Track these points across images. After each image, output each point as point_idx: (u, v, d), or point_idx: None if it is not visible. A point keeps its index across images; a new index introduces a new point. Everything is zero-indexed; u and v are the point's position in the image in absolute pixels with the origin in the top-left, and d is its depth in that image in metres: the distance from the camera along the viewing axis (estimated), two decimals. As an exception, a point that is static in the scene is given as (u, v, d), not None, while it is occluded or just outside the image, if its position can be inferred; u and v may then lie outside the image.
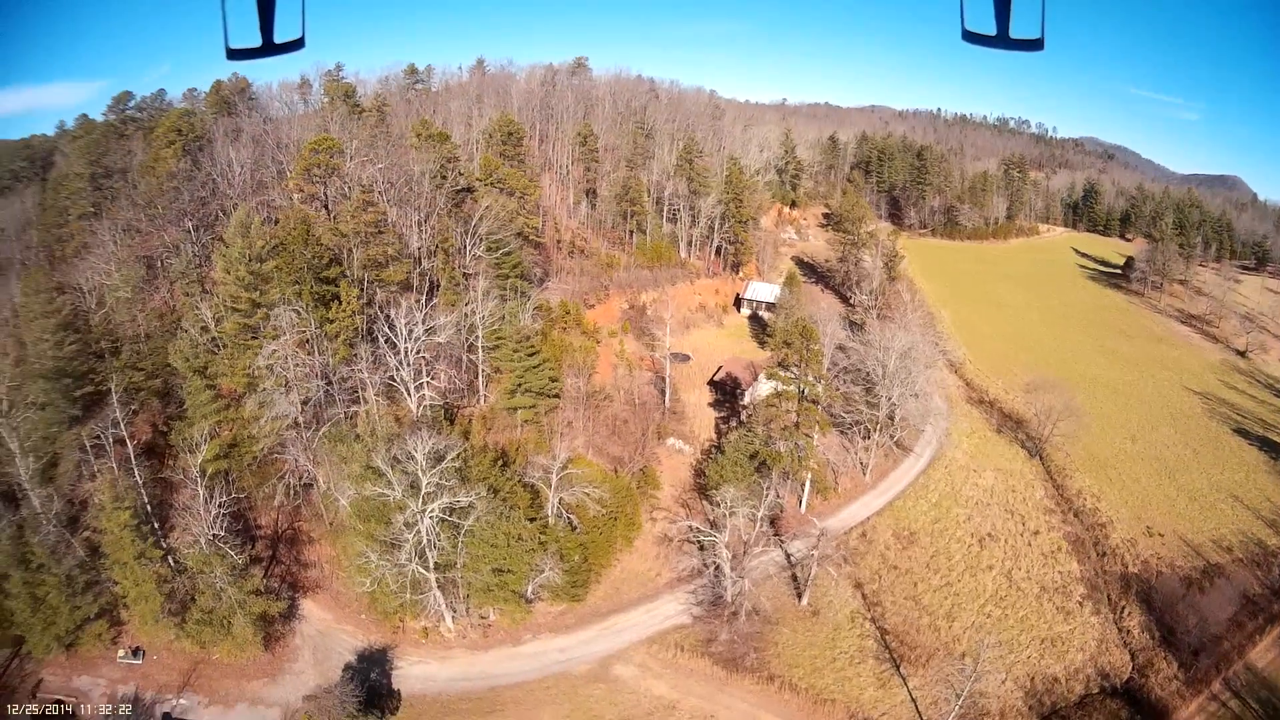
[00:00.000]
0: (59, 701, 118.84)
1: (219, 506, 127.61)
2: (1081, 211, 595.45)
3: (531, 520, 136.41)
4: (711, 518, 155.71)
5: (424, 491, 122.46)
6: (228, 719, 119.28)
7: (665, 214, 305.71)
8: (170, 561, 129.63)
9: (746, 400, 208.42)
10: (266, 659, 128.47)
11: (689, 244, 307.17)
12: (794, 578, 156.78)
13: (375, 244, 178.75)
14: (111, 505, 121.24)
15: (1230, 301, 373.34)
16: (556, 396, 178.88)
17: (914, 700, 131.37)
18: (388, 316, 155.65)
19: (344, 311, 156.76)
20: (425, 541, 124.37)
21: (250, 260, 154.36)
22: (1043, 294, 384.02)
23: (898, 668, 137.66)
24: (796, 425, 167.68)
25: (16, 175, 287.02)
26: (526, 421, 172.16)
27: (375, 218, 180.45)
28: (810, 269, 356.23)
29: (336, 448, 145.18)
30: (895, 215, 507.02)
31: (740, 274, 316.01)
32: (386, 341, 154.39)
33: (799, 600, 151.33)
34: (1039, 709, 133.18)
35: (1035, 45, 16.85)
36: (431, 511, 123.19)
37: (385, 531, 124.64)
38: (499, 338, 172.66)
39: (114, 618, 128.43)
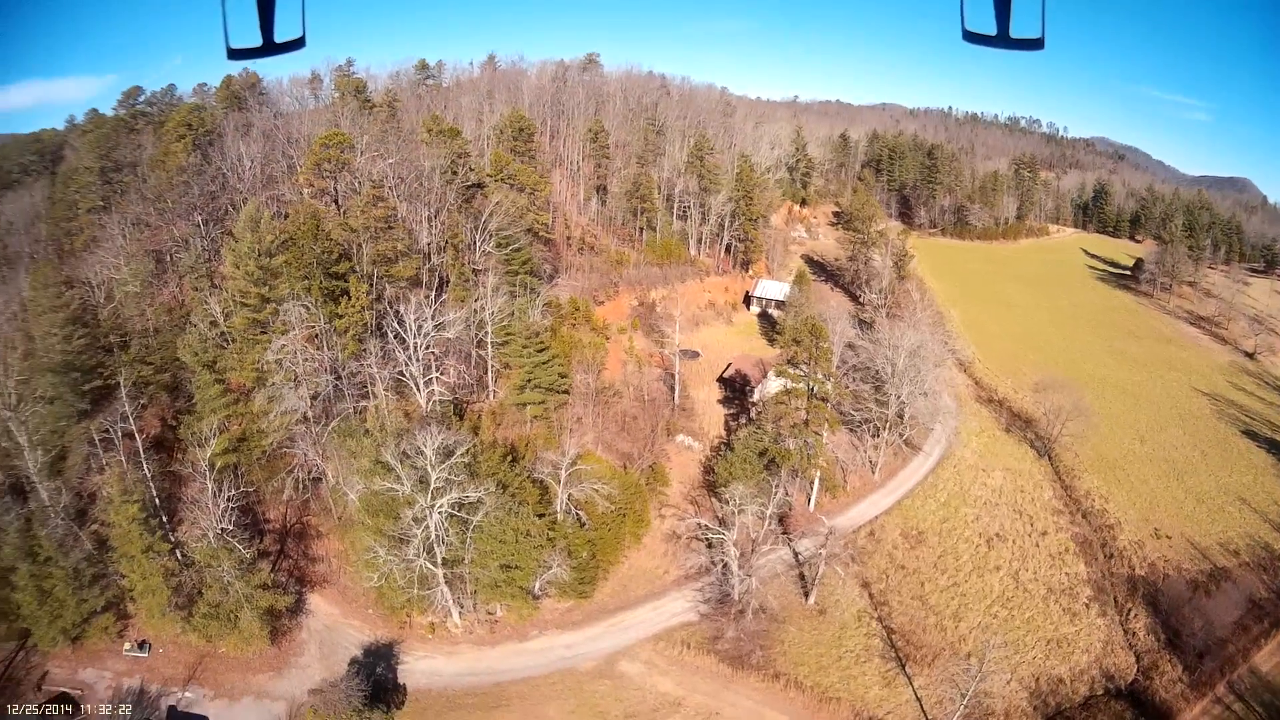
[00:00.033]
0: (64, 694, 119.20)
1: (227, 500, 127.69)
2: (1091, 212, 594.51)
3: (540, 516, 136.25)
4: (720, 515, 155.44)
5: (433, 487, 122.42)
6: (233, 712, 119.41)
7: (675, 211, 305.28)
8: (178, 555, 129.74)
9: (756, 397, 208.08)
10: (273, 653, 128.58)
11: (699, 241, 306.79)
12: (801, 576, 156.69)
13: (385, 239, 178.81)
14: (120, 499, 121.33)
15: (1239, 303, 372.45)
16: (566, 393, 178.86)
17: (919, 699, 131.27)
18: (397, 312, 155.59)
19: (353, 307, 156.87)
20: (433, 537, 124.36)
21: (260, 255, 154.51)
22: (1052, 294, 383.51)
23: (903, 667, 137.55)
24: (806, 423, 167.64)
25: (26, 169, 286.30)
26: (536, 417, 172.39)
27: (385, 213, 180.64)
28: (820, 267, 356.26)
29: (345, 442, 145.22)
30: (905, 214, 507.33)
31: (750, 272, 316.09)
32: (396, 337, 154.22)
33: (806, 599, 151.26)
34: (1044, 710, 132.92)
35: (1035, 45, 16.84)
36: (440, 507, 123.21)
37: (393, 526, 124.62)
38: (508, 333, 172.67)
39: (121, 611, 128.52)
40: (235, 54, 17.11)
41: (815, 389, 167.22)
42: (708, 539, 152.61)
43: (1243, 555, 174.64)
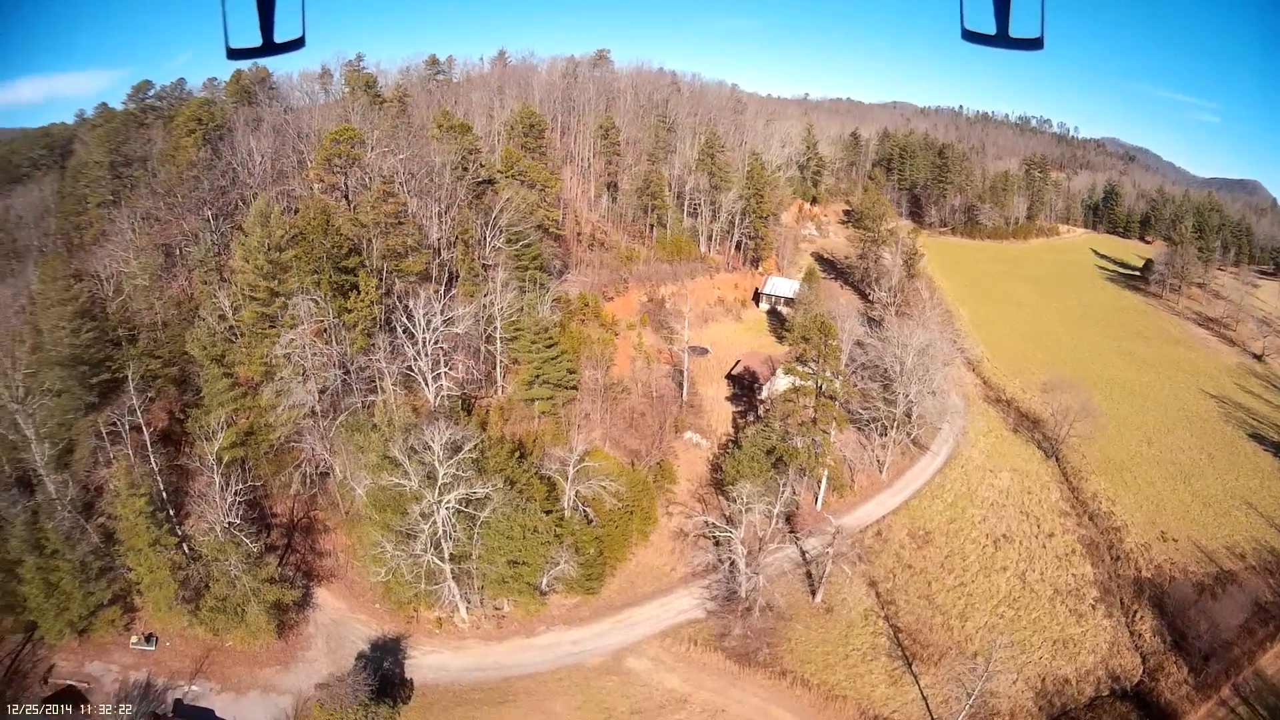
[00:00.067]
0: (70, 686, 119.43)
1: (235, 494, 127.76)
2: (1102, 213, 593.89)
3: (548, 513, 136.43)
4: (727, 513, 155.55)
5: (440, 482, 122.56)
6: (240, 706, 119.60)
7: (686, 208, 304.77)
8: (185, 549, 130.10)
9: (764, 395, 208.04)
10: (280, 647, 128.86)
11: (709, 238, 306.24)
12: (808, 575, 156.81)
13: (395, 234, 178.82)
14: (127, 492, 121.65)
15: (1248, 305, 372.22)
16: (574, 388, 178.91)
17: (925, 698, 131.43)
18: (406, 307, 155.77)
19: (362, 301, 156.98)
20: (441, 532, 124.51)
21: (269, 249, 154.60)
22: (1061, 294, 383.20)
23: (910, 666, 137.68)
24: (814, 421, 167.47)
25: (36, 163, 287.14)
26: (544, 413, 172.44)
27: (395, 208, 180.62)
28: (830, 265, 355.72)
29: (353, 437, 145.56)
30: (916, 213, 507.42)
31: (760, 269, 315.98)
32: (405, 331, 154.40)
33: (813, 597, 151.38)
34: (1049, 710, 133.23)
35: (1035, 44, 16.71)
36: (448, 502, 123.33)
37: (401, 521, 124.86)
38: (517, 329, 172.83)
39: (128, 604, 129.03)
40: (235, 54, 17.07)
41: (824, 387, 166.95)
42: (715, 537, 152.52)
43: (1249, 559, 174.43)
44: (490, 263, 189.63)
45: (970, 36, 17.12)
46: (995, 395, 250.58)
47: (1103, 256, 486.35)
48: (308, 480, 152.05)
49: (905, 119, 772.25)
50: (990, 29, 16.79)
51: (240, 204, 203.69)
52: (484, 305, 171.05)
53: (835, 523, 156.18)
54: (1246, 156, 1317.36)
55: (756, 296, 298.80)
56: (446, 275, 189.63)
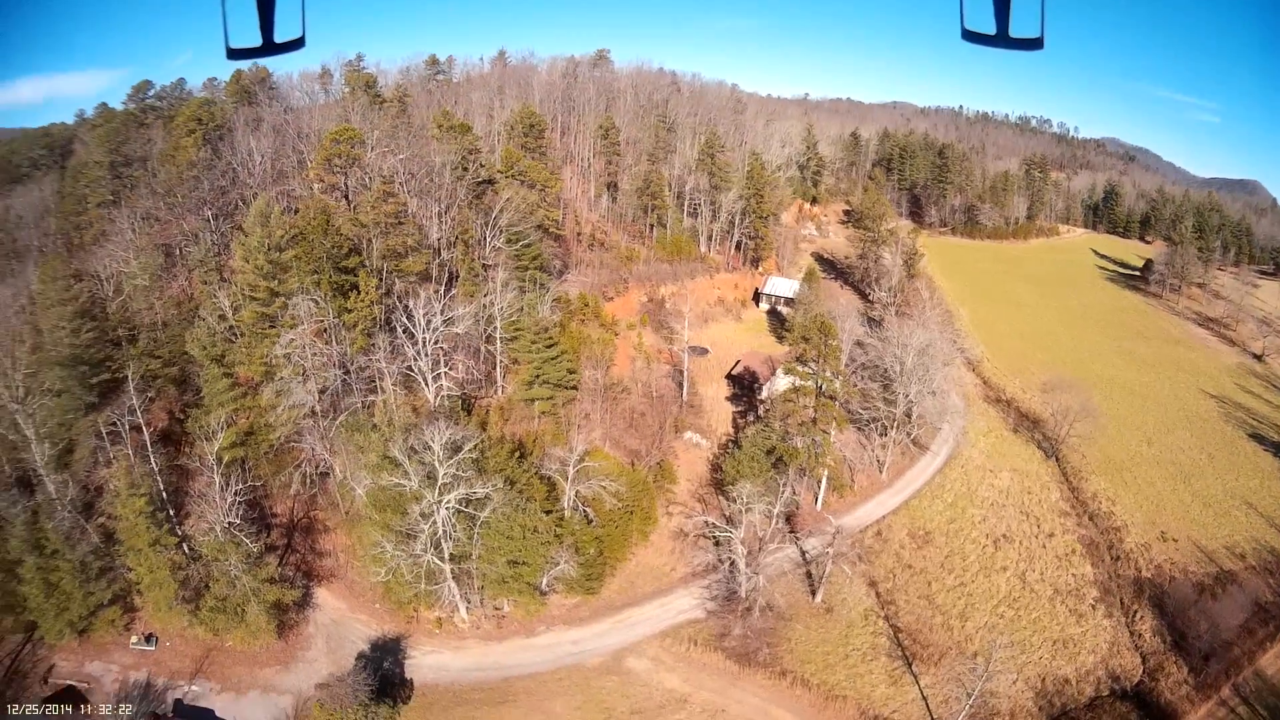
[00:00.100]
0: (70, 686, 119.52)
1: (234, 494, 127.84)
2: (1102, 213, 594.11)
3: (547, 513, 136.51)
4: (727, 513, 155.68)
5: (440, 482, 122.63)
6: (240, 706, 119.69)
7: (686, 208, 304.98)
8: (185, 549, 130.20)
9: (764, 395, 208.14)
10: (280, 647, 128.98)
11: (709, 238, 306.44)
12: (808, 575, 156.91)
13: (395, 234, 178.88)
14: (127, 492, 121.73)
15: (1248, 305, 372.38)
16: (574, 388, 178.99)
17: (925, 698, 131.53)
18: (406, 307, 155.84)
19: (362, 301, 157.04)
20: (441, 532, 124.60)
21: (269, 249, 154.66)
22: (1061, 294, 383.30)
23: (910, 666, 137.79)
24: (814, 421, 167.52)
25: (36, 163, 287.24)
26: (544, 413, 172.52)
27: (395, 208, 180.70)
28: (830, 265, 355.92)
29: (353, 437, 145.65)
30: (916, 213, 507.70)
31: (760, 269, 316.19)
32: (405, 331, 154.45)
33: (813, 597, 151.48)
34: (1049, 710, 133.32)
35: (1035, 45, 16.67)
36: (448, 502, 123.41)
37: (401, 521, 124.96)
38: (517, 329, 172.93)
39: (128, 604, 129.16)
40: (234, 54, 17.05)
41: (824, 387, 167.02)
42: (715, 537, 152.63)
43: (1248, 559, 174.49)
44: (490, 263, 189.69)
45: (970, 36, 17.08)
46: (995, 395, 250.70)
47: (1103, 256, 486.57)
48: (308, 480, 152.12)
49: (905, 119, 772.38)
50: (990, 29, 16.75)
51: (240, 204, 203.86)
52: (484, 305, 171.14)
53: (835, 523, 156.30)
54: (1246, 157, 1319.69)
55: (756, 296, 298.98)
56: (446, 275, 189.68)
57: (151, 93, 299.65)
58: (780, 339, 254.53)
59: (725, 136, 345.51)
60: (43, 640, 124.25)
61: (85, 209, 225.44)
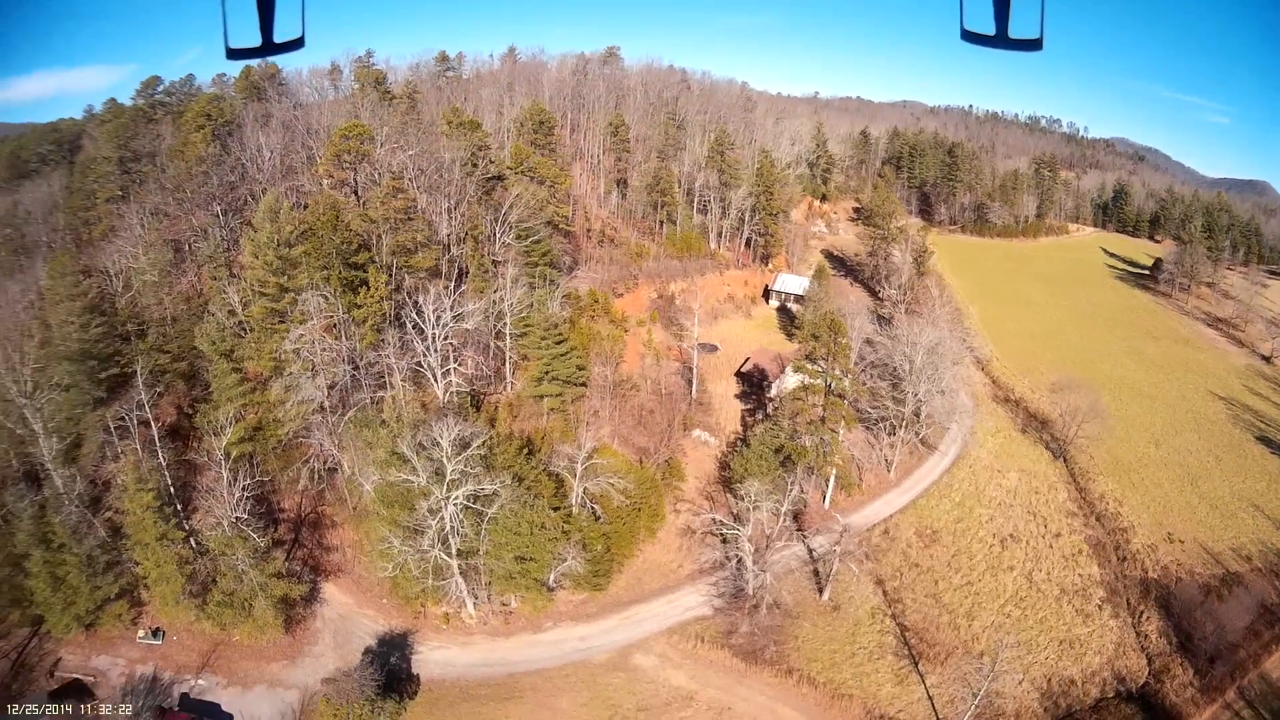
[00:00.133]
0: (76, 680, 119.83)
1: (242, 489, 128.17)
2: (1111, 212, 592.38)
3: (555, 509, 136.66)
4: (735, 511, 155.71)
5: (448, 478, 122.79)
6: (246, 700, 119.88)
7: (696, 205, 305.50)
8: (192, 543, 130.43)
9: (773, 393, 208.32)
10: (287, 641, 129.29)
11: (719, 235, 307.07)
12: (816, 573, 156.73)
13: (404, 230, 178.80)
14: (135, 486, 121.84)
15: (1257, 305, 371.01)
16: (583, 385, 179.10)
17: (931, 698, 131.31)
18: (416, 303, 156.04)
19: (372, 297, 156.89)
20: (449, 528, 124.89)
21: (279, 245, 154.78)
22: (1071, 293, 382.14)
23: (916, 665, 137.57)
24: (822, 420, 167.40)
25: (44, 159, 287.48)
26: (553, 410, 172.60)
27: (405, 204, 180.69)
28: (840, 262, 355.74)
29: (362, 433, 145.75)
30: (925, 211, 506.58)
31: (769, 266, 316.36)
32: (414, 327, 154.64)
33: (820, 595, 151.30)
34: (1054, 711, 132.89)
35: (1034, 45, 16.60)
36: (456, 498, 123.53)
37: (409, 517, 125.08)
38: (527, 325, 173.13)
39: (134, 598, 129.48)
40: (234, 54, 16.99)
41: (833, 385, 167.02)
42: (723, 534, 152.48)
43: (1255, 561, 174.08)
44: (500, 259, 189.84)
45: (970, 37, 17.06)
46: (1004, 395, 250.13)
47: (1112, 255, 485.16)
48: (316, 475, 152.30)
49: (915, 118, 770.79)
50: (990, 29, 16.74)
51: (249, 199, 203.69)
52: (493, 301, 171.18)
53: (843, 521, 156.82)
54: (1255, 157, 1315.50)
55: (766, 294, 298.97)
56: (456, 271, 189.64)
57: (160, 88, 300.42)
58: (790, 336, 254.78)
59: (735, 134, 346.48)
60: (49, 634, 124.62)
61: (94, 204, 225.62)
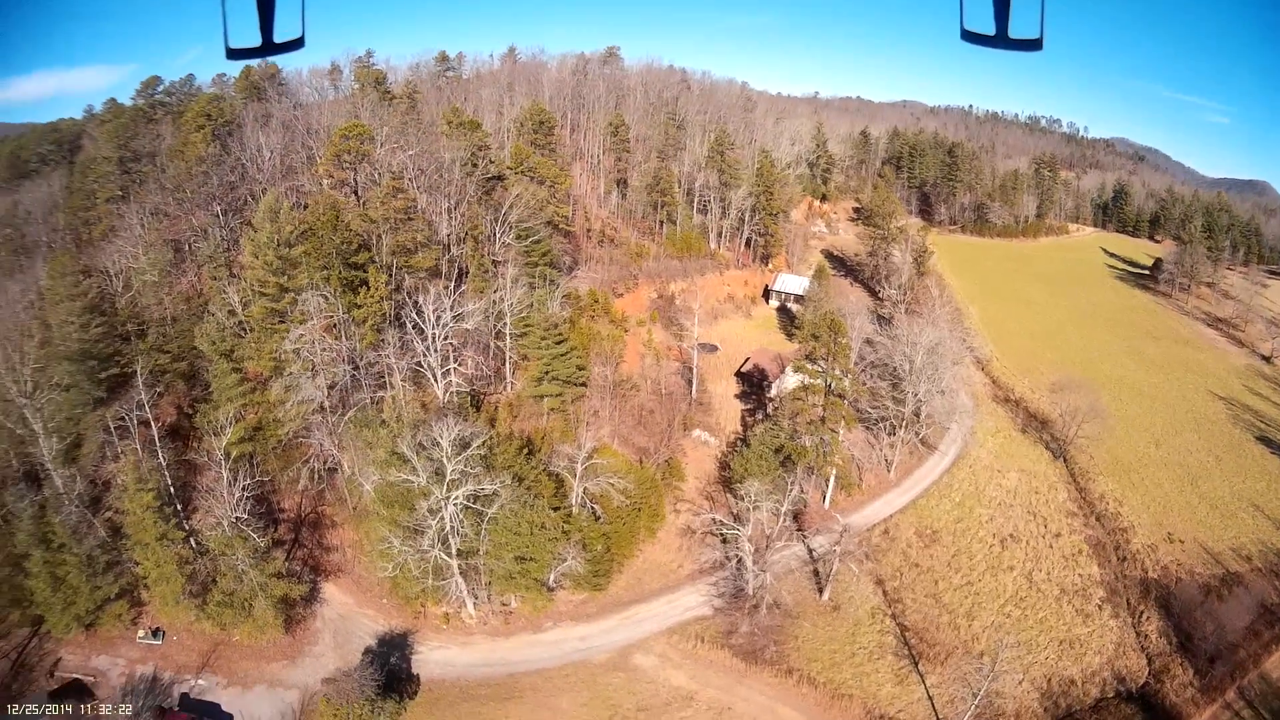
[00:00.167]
0: (76, 680, 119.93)
1: (242, 489, 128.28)
2: (1111, 212, 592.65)
3: (555, 509, 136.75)
4: (735, 511, 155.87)
5: (448, 478, 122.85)
6: (246, 700, 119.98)
7: (696, 205, 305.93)
8: (192, 543, 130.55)
9: (773, 393, 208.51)
10: (287, 641, 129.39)
11: (719, 235, 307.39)
12: (816, 573, 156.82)
13: (404, 230, 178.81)
14: (135, 486, 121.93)
15: (1257, 305, 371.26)
16: (583, 385, 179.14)
17: (931, 698, 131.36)
18: (416, 303, 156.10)
19: (372, 297, 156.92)
20: (449, 528, 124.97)
21: (279, 245, 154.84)
22: (1071, 293, 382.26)
23: (916, 665, 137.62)
24: (822, 420, 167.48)
25: (44, 159, 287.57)
26: (553, 410, 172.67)
27: (405, 204, 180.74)
28: (840, 262, 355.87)
29: (362, 433, 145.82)
30: (925, 211, 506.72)
31: (769, 266, 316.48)
32: (414, 327, 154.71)
33: (820, 595, 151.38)
34: (1054, 711, 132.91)
35: (1034, 45, 16.58)
36: (456, 498, 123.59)
37: (409, 517, 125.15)
38: (527, 325, 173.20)
39: (134, 598, 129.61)
40: (234, 54, 16.97)
41: (833, 385, 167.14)
42: (723, 534, 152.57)
43: (1255, 561, 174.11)
44: (500, 259, 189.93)
45: (970, 37, 17.05)
46: (1004, 395, 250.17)
47: (1112, 255, 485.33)
48: (316, 475, 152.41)
49: (915, 118, 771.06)
50: (990, 30, 16.73)
51: (249, 199, 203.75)
52: (494, 301, 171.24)
53: (843, 521, 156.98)
54: (1255, 157, 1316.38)
55: (766, 294, 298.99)
56: (456, 271, 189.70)
57: (160, 88, 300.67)
58: (790, 336, 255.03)
59: (735, 134, 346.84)
60: (49, 634, 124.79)
61: (94, 204, 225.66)
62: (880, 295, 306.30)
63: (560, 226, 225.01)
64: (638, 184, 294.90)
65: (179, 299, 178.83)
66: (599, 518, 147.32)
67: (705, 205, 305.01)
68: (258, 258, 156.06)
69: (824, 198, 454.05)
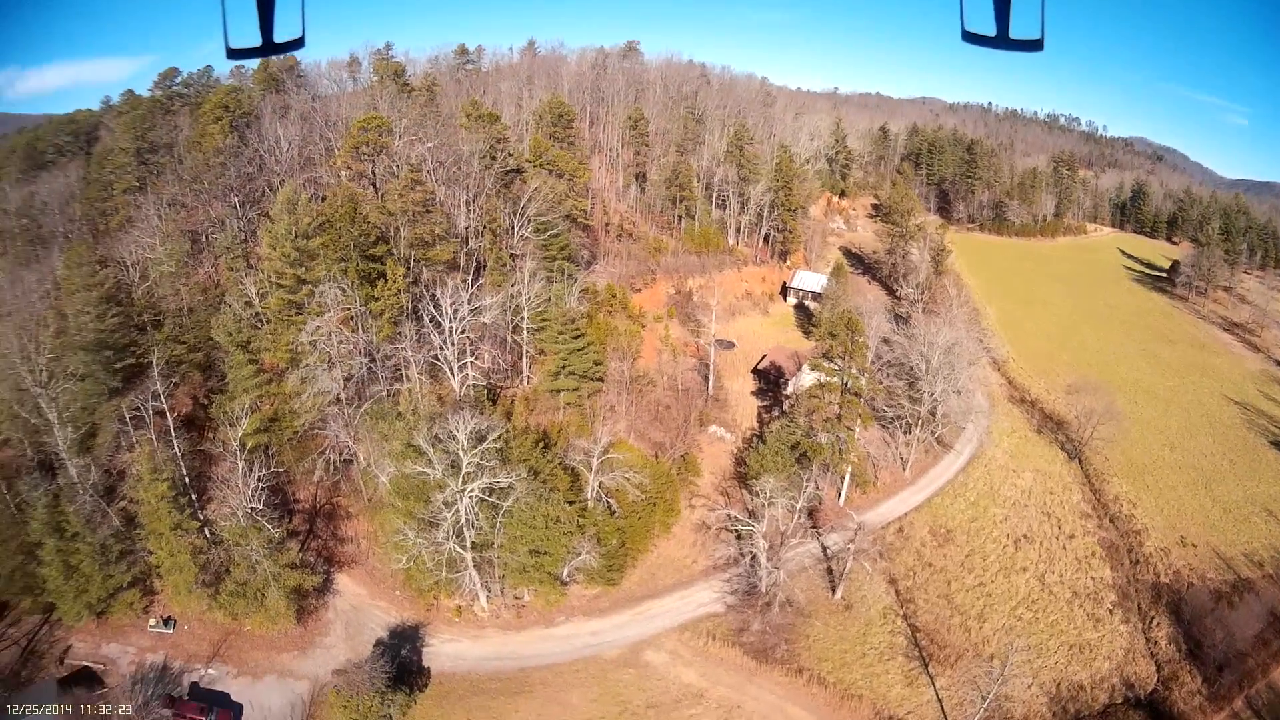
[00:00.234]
0: (86, 668, 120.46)
1: (258, 480, 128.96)
2: (1129, 212, 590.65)
3: (570, 503, 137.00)
4: (750, 507, 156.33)
5: (464, 471, 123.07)
6: (256, 690, 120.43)
7: (714, 200, 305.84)
8: (206, 533, 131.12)
9: (789, 390, 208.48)
10: (298, 632, 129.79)
11: (737, 231, 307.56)
12: (829, 571, 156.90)
13: (423, 223, 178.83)
14: (150, 476, 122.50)
15: (1273, 310, 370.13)
16: (600, 380, 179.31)
17: (940, 700, 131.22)
18: (433, 295, 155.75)
19: (389, 289, 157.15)
20: (463, 521, 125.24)
21: (296, 237, 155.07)
22: (1088, 294, 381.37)
23: (926, 667, 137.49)
24: (839, 417, 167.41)
25: (61, 150, 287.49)
26: (569, 404, 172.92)
27: (423, 197, 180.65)
28: (858, 259, 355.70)
29: (378, 425, 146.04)
30: (944, 209, 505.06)
31: (788, 262, 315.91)
32: (431, 320, 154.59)
33: (832, 593, 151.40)
34: (1062, 716, 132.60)
35: (1035, 46, 16.52)
36: (471, 491, 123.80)
37: (424, 510, 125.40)
38: (544, 319, 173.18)
39: (147, 587, 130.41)
40: (234, 54, 16.90)
41: (849, 384, 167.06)
42: (737, 530, 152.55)
43: (1267, 567, 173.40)
44: (518, 252, 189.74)
45: (971, 38, 16.99)
46: (1020, 396, 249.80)
47: (1129, 256, 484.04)
48: (331, 467, 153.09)
49: (934, 114, 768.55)
50: (990, 30, 16.70)
51: (267, 191, 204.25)
52: (511, 295, 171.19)
53: (857, 519, 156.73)
54: (1274, 159, 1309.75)
55: (784, 290, 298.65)
56: (474, 264, 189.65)
57: (178, 80, 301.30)
58: (807, 334, 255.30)
59: (754, 129, 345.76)
60: (60, 621, 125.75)
61: (111, 195, 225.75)
62: (898, 294, 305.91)
63: (578, 220, 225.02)
64: (656, 178, 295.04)
65: (196, 290, 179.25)
66: (614, 512, 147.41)
67: (724, 200, 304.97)
68: (275, 249, 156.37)
69: (843, 194, 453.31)
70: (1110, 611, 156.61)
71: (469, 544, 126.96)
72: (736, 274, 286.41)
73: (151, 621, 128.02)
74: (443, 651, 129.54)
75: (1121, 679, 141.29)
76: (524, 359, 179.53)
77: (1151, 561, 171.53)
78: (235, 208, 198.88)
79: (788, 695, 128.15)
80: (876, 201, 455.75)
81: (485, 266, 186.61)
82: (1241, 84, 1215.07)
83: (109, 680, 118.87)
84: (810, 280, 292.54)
